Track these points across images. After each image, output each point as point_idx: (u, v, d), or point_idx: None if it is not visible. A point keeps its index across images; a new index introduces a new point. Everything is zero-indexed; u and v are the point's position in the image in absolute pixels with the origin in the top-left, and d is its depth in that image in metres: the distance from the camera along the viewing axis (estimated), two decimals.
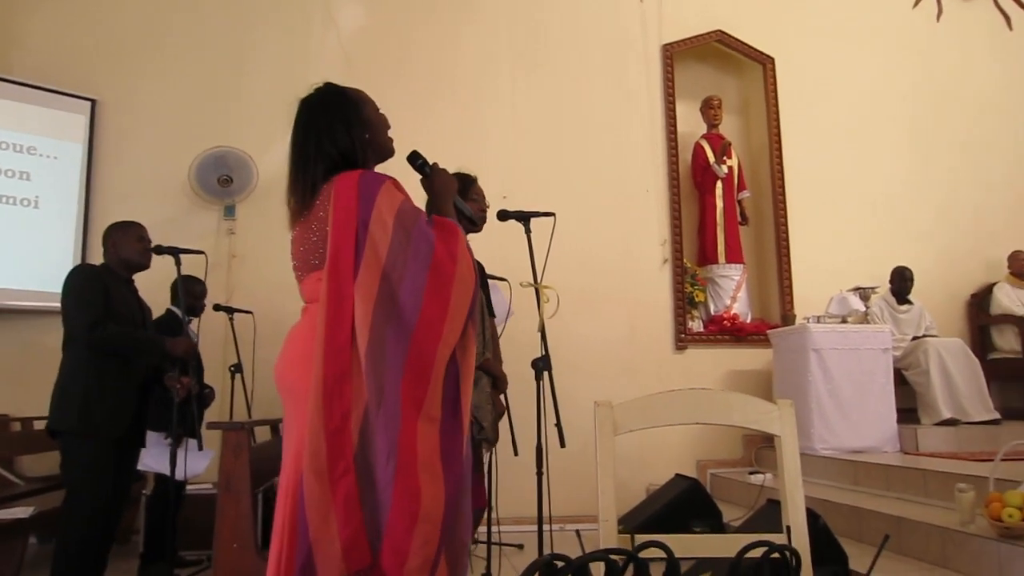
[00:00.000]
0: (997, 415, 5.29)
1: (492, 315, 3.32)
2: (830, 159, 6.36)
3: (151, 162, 5.47)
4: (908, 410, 5.35)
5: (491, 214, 3.15)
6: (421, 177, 1.97)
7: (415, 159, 1.96)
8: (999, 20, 7.01)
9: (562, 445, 2.94)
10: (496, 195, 3.52)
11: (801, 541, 1.29)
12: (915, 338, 5.60)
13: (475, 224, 2.25)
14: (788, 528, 1.31)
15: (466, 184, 2.97)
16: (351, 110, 1.89)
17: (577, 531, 1.36)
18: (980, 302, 6.30)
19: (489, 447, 3.16)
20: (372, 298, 1.65)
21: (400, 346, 1.63)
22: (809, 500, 3.90)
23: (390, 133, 1.98)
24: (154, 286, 3.94)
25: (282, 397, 1.79)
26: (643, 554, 0.94)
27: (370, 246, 1.67)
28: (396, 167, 1.96)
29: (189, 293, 4.08)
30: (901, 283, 5.86)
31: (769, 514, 3.32)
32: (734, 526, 3.88)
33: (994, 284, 6.23)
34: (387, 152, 1.97)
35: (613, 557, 0.69)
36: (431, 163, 1.96)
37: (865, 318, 5.44)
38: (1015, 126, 6.74)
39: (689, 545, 1.58)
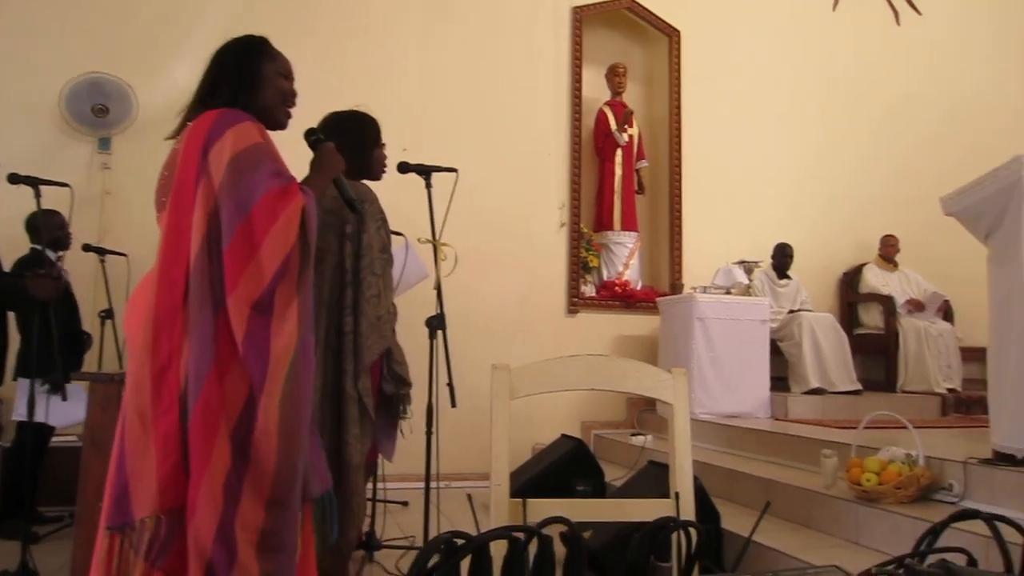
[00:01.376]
0: (860, 386, 5.67)
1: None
2: (726, 136, 6.55)
3: (18, 84, 4.98)
4: (780, 379, 5.65)
5: (391, 165, 3.04)
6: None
7: (310, 134, 2.02)
8: (891, 14, 7.36)
9: (453, 405, 2.92)
10: (397, 146, 3.41)
11: (688, 507, 1.32)
12: (791, 311, 5.90)
13: (355, 209, 2.20)
14: (677, 494, 1.34)
15: (375, 129, 2.82)
16: (254, 66, 1.88)
17: (469, 496, 1.34)
18: (851, 281, 6.71)
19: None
20: (201, 234, 1.64)
21: (215, 290, 1.62)
22: None
23: (296, 85, 1.99)
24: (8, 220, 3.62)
25: (128, 345, 1.75)
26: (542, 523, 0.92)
27: (206, 181, 1.67)
28: None
29: (50, 225, 3.70)
30: (782, 259, 6.15)
31: (649, 475, 3.44)
32: (615, 486, 3.99)
33: (864, 265, 6.64)
34: (275, 120, 1.94)
35: (515, 534, 0.66)
36: (324, 141, 2.01)
37: (747, 290, 5.68)
38: (896, 120, 7.12)
39: (581, 510, 1.60)
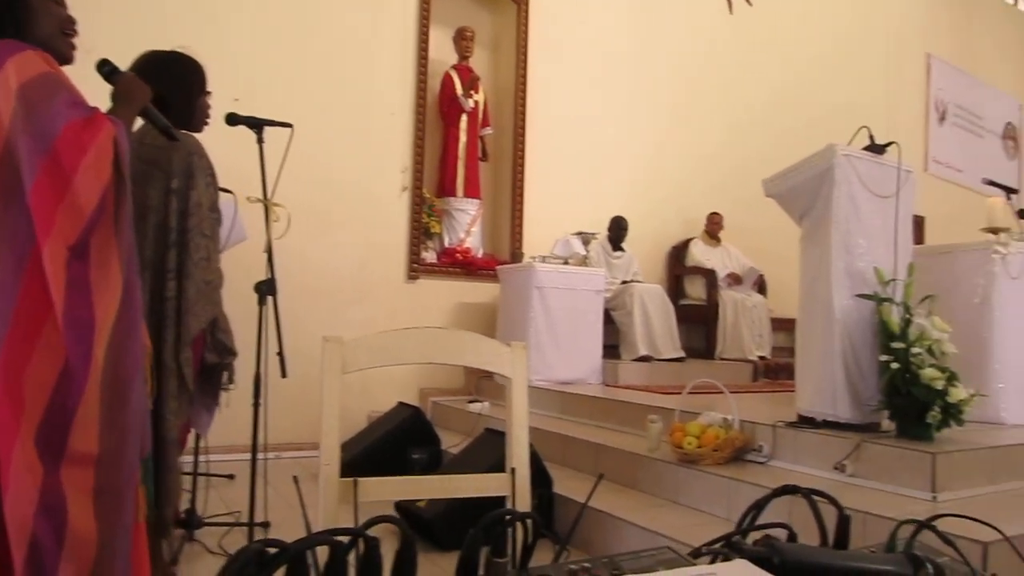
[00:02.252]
0: (683, 353, 6.03)
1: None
2: (570, 109, 6.65)
3: None
4: (612, 346, 5.89)
5: (219, 116, 2.80)
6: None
7: (103, 66, 1.80)
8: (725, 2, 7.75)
9: (283, 375, 2.77)
10: (228, 96, 3.16)
11: (523, 483, 1.31)
12: (624, 282, 6.15)
13: (173, 136, 1.97)
14: (513, 470, 1.32)
15: (201, 74, 2.57)
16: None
17: (295, 478, 1.25)
18: (678, 254, 7.09)
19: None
20: None
21: (22, 230, 1.45)
22: None
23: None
24: None
25: None
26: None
27: None
28: None
29: None
30: (617, 231, 6.38)
31: (486, 442, 3.47)
32: (452, 453, 3.99)
33: (691, 240, 7.04)
34: (57, 52, 1.71)
35: (338, 539, 0.59)
36: (120, 71, 1.81)
37: (584, 261, 5.85)
38: (724, 104, 7.55)
39: (415, 488, 1.56)
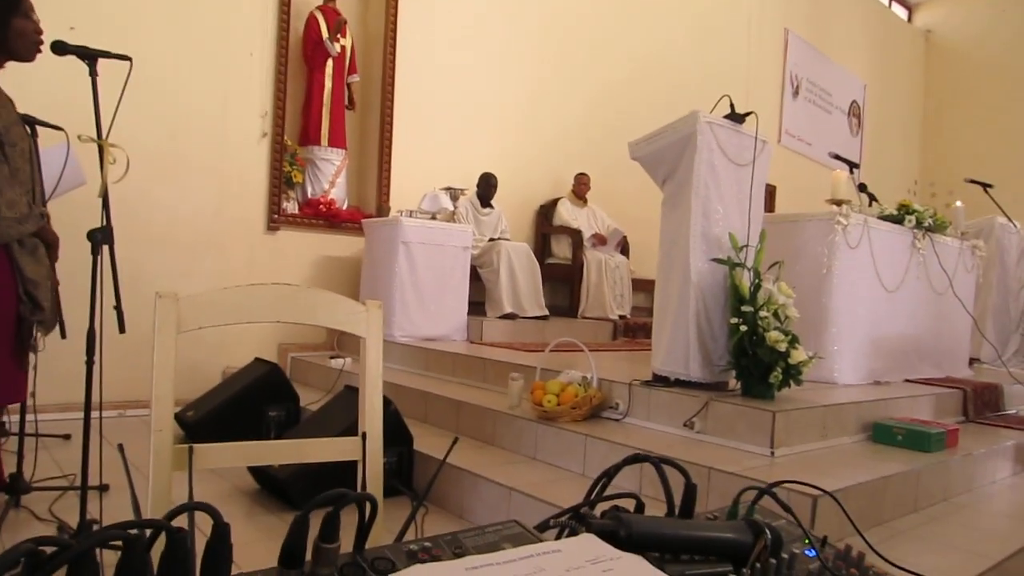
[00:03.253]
0: (547, 312, 6.12)
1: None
2: (442, 61, 6.49)
3: None
4: (477, 303, 5.89)
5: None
6: None
7: None
8: None
9: (121, 331, 2.55)
10: (62, 23, 2.82)
11: (375, 449, 1.25)
12: (491, 239, 6.14)
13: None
14: (364, 435, 1.26)
15: None
16: None
17: (120, 447, 1.13)
18: (546, 213, 7.15)
19: (46, 331, 2.61)
20: None
21: None
22: (385, 385, 4.08)
23: None
24: None
25: None
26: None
27: None
28: None
29: None
30: (486, 188, 6.34)
31: (344, 399, 3.38)
32: (311, 410, 3.87)
33: (559, 199, 7.11)
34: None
35: (132, 532, 0.51)
36: None
37: (452, 217, 5.78)
38: (594, 66, 7.61)
39: (259, 454, 1.46)
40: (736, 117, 3.46)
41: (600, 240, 6.89)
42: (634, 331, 6.48)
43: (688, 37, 8.53)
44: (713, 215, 3.36)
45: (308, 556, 0.61)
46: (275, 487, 3.06)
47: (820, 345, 3.79)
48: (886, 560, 1.13)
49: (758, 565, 0.79)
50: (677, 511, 0.85)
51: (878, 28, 12.06)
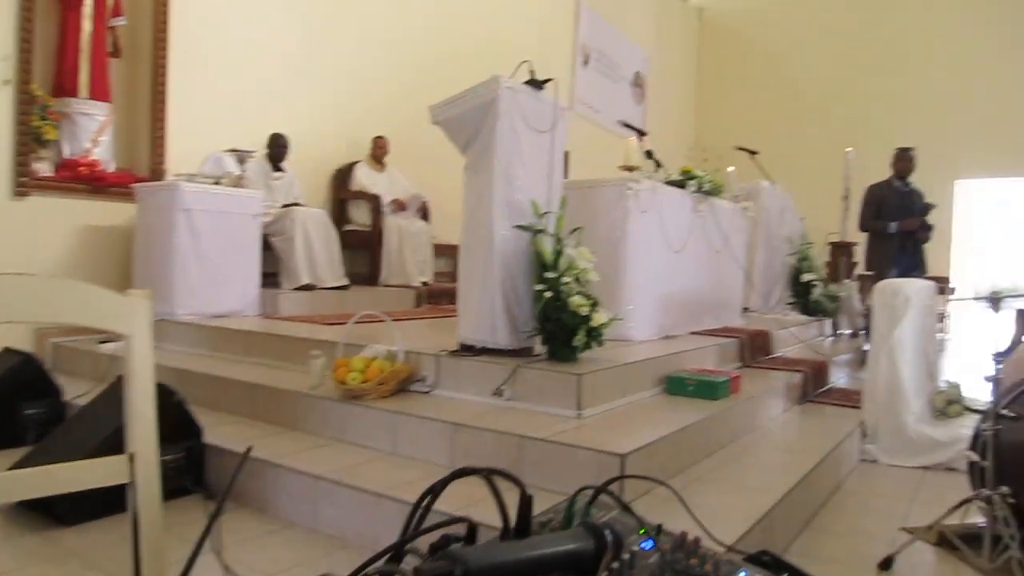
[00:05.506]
0: (347, 281, 5.87)
1: None
2: (227, 7, 5.90)
3: None
4: (271, 274, 5.52)
5: None
6: None
7: None
8: None
9: None
10: None
11: (148, 468, 1.04)
12: (285, 206, 5.75)
13: None
14: (132, 456, 1.04)
15: None
16: None
17: None
18: (343, 178, 6.82)
19: None
20: None
21: None
22: (167, 371, 3.68)
23: None
24: None
25: None
26: None
27: None
28: None
29: None
30: (277, 149, 5.92)
31: (119, 392, 2.98)
32: (78, 404, 3.40)
33: (356, 163, 6.80)
34: None
35: None
36: None
37: (239, 181, 5.32)
38: (393, 26, 7.31)
39: None
40: (536, 83, 3.43)
41: (400, 206, 6.71)
42: (438, 297, 6.41)
43: (480, 1, 8.45)
44: (515, 181, 3.32)
45: None
46: (36, 501, 2.64)
47: (616, 305, 3.92)
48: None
49: (606, 574, 0.72)
50: (513, 526, 0.76)
51: (659, 4, 12.74)
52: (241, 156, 5.45)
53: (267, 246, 5.46)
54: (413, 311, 5.86)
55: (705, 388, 3.47)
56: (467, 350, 3.36)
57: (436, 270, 6.96)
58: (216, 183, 5.03)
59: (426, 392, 3.29)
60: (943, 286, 7.64)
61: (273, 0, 6.29)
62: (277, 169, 5.97)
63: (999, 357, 2.42)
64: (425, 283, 6.57)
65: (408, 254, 6.52)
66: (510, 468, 2.62)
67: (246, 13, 6.06)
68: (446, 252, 7.46)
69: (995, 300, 2.53)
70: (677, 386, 3.55)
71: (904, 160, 6.38)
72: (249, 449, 1.22)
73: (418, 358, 3.38)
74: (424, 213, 7.00)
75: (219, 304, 4.84)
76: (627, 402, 3.27)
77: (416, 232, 6.66)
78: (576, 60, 10.42)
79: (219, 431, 3.06)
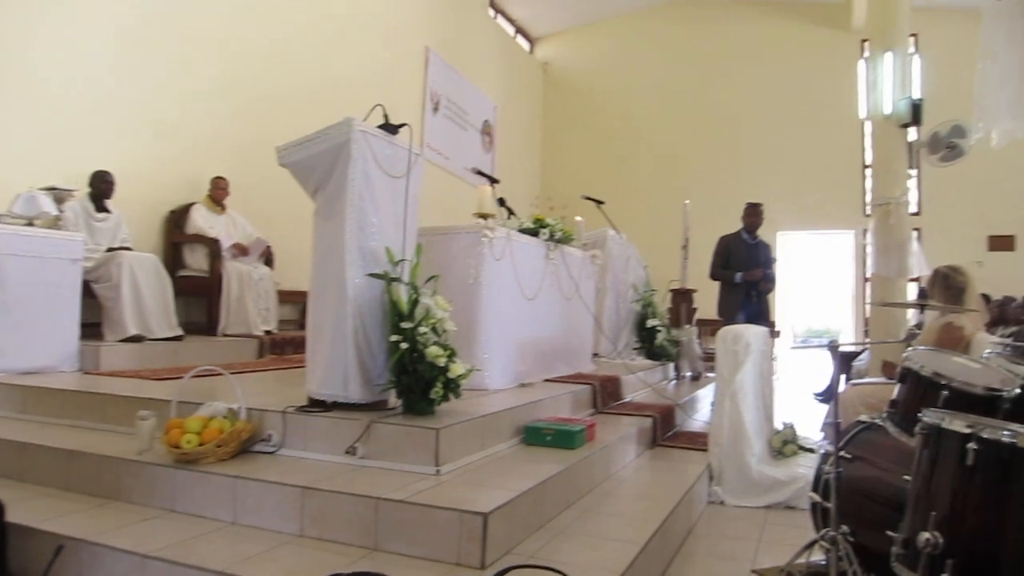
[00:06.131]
0: (181, 331, 5.43)
1: None
2: (49, 31, 5.38)
3: None
4: (93, 325, 5.01)
5: None
6: None
7: None
8: None
9: None
10: None
11: None
12: (110, 249, 5.27)
13: None
14: None
15: None
16: None
17: None
18: (178, 220, 6.36)
19: None
20: None
21: None
22: None
23: None
24: None
25: None
26: None
27: None
28: None
29: None
30: (101, 187, 5.43)
31: None
32: None
33: (192, 205, 6.38)
34: None
35: None
36: None
37: (56, 223, 4.82)
38: (239, 64, 6.99)
39: None
40: (390, 128, 3.35)
41: (241, 250, 6.34)
42: (282, 347, 6.09)
43: (320, 39, 8.27)
44: (368, 228, 3.21)
45: None
46: None
47: (471, 354, 3.87)
48: None
49: None
50: None
51: (506, 56, 13.12)
52: (60, 195, 4.95)
53: (90, 294, 4.97)
54: (256, 363, 5.50)
55: (562, 438, 3.46)
56: (317, 405, 3.16)
57: (280, 318, 6.62)
58: (29, 224, 4.52)
59: (271, 452, 3.05)
60: (773, 331, 8.20)
61: (103, 33, 5.83)
62: (101, 209, 5.47)
63: (820, 396, 2.57)
64: (269, 332, 6.21)
65: (250, 302, 6.15)
66: (366, 533, 2.45)
67: (73, 42, 5.57)
68: (291, 299, 7.13)
69: (833, 348, 2.69)
70: (535, 436, 3.51)
71: (753, 215, 6.88)
72: (60, 548, 1.02)
73: (262, 415, 3.13)
74: (268, 258, 6.66)
75: (29, 359, 4.31)
76: (486, 455, 3.19)
77: (259, 278, 6.31)
78: (426, 106, 10.46)
79: (24, 507, 2.67)
